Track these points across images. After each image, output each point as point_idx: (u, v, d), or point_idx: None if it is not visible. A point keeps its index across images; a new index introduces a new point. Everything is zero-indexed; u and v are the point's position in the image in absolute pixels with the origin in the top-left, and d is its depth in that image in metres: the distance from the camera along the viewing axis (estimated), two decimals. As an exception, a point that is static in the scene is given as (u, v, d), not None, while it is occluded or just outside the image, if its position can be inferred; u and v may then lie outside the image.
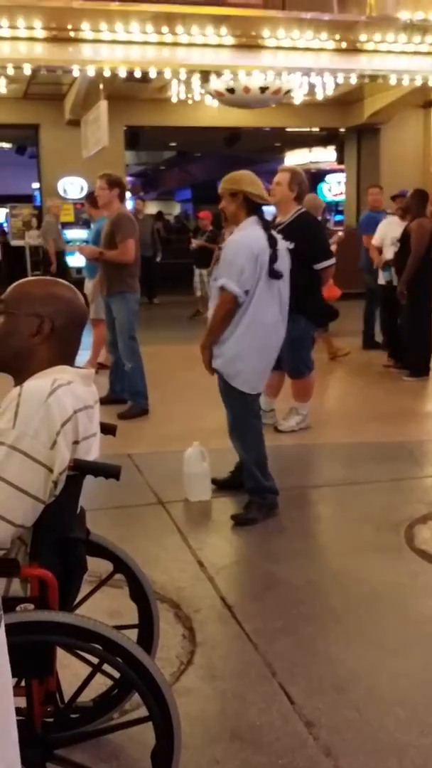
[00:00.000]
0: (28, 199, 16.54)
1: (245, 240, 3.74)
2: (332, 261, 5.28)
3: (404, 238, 7.13)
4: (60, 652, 1.92)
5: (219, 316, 3.73)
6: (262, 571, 3.31)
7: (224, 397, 3.92)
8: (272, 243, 3.77)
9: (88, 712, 2.18)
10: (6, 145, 17.20)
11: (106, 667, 1.79)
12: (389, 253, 7.64)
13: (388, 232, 7.74)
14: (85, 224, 11.75)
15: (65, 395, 1.73)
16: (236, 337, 3.74)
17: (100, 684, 2.13)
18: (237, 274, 3.65)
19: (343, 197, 16.68)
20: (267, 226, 3.86)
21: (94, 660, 1.81)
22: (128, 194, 8.44)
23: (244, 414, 3.90)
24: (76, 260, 12.34)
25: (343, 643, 2.72)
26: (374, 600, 3.05)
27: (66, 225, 13.33)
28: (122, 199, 6.07)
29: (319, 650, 2.68)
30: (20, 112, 12.94)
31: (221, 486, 4.23)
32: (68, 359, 1.88)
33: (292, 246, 4.79)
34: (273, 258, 3.75)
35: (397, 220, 7.77)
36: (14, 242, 14.07)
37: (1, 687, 1.13)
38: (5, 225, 14.84)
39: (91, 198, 7.69)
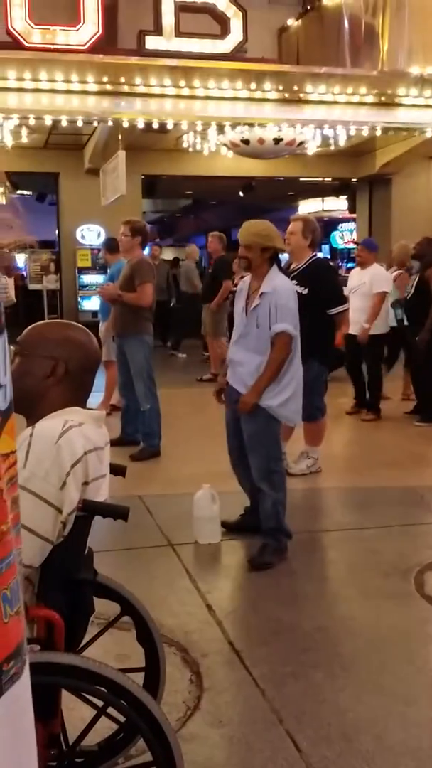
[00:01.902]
0: (47, 244, 16.84)
1: (290, 285, 4.03)
2: (346, 306, 5.38)
3: (420, 287, 7.20)
4: (66, 696, 1.92)
5: (281, 359, 3.86)
6: (271, 616, 3.29)
7: (257, 438, 3.92)
8: None
9: (93, 756, 2.16)
10: (27, 193, 17.61)
11: (111, 711, 1.78)
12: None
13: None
14: (102, 269, 11.99)
15: (76, 437, 1.76)
16: (290, 376, 3.92)
17: (106, 728, 2.12)
18: (293, 318, 3.88)
19: (354, 245, 16.88)
20: (286, 274, 4.14)
21: (100, 703, 1.81)
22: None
23: (276, 454, 3.98)
24: (91, 304, 12.54)
25: (352, 691, 2.69)
26: (383, 647, 3.02)
27: (83, 270, 13.56)
28: (143, 245, 6.31)
29: (327, 697, 2.65)
30: (41, 160, 13.26)
31: (231, 529, 4.23)
32: (81, 401, 1.92)
33: (306, 291, 4.89)
34: None
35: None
36: (32, 286, 14.33)
37: (25, 734, 1.13)
38: (24, 270, 15.13)
39: (107, 244, 7.86)
